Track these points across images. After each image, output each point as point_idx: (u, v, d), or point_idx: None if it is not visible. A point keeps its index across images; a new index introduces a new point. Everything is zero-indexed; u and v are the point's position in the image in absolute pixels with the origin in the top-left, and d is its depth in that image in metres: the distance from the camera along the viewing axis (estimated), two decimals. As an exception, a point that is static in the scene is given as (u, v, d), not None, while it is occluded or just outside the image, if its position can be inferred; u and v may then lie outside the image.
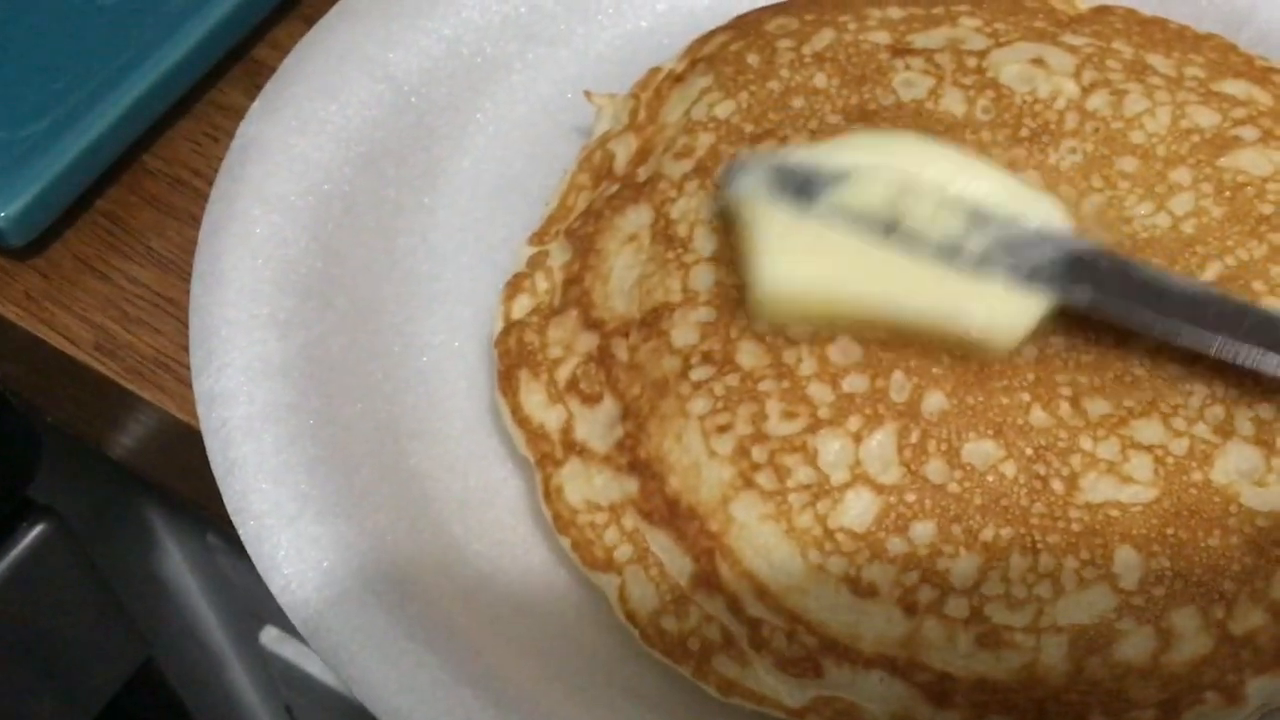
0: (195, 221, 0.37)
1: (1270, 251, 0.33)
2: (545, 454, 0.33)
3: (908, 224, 0.31)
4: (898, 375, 0.31)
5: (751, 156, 0.34)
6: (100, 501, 0.57)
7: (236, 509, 0.31)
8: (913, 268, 0.31)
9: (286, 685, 0.78)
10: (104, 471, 0.58)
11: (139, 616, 0.54)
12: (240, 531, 0.31)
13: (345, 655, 0.30)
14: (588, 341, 0.34)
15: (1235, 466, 0.30)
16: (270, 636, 0.75)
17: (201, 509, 0.41)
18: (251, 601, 0.71)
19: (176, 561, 0.70)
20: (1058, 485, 0.30)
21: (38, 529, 0.46)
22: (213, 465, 0.32)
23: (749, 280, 0.32)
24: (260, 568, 0.31)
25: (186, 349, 0.37)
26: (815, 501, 0.30)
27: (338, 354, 0.35)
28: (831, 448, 0.31)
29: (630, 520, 0.32)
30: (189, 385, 0.37)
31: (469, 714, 0.29)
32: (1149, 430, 0.31)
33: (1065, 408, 0.31)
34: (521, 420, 0.33)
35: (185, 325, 0.35)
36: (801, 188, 0.32)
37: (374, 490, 0.33)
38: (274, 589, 0.30)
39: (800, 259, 0.32)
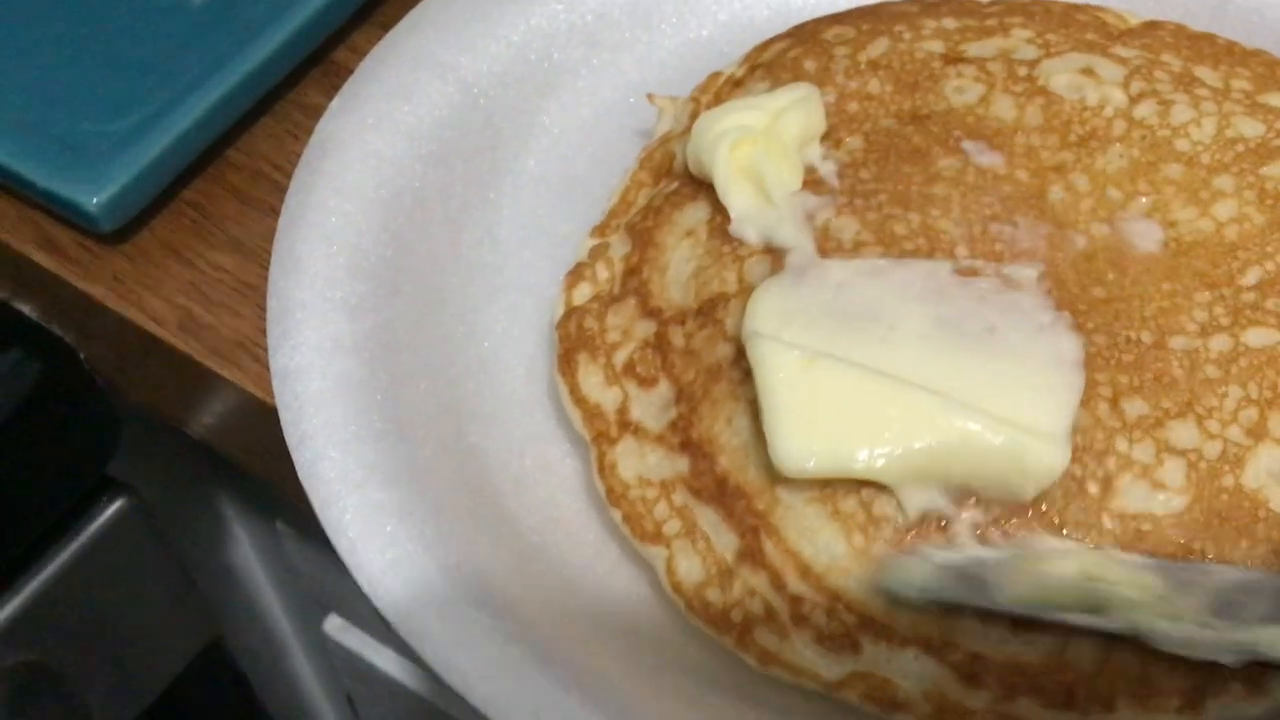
0: (274, 212, 0.39)
1: (1311, 257, 0.34)
2: (601, 432, 0.34)
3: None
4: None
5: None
6: (175, 485, 0.59)
7: (307, 475, 0.33)
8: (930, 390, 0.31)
9: (348, 674, 0.80)
10: (180, 457, 0.60)
11: (208, 597, 0.56)
12: (310, 497, 0.33)
13: (404, 613, 0.31)
14: (645, 328, 0.35)
15: (1266, 468, 0.31)
16: (334, 625, 0.76)
17: (272, 490, 0.43)
18: (317, 589, 0.73)
19: (245, 549, 0.72)
20: (1093, 488, 0.31)
21: (116, 505, 0.48)
22: (286, 436, 0.34)
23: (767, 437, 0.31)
24: (328, 530, 0.33)
25: (264, 331, 0.39)
26: (861, 488, 0.31)
27: (404, 337, 0.37)
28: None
29: (680, 497, 0.33)
30: (265, 365, 0.39)
31: (519, 671, 0.30)
32: (1184, 432, 0.31)
33: (1104, 408, 0.32)
34: (579, 400, 0.35)
35: (263, 309, 0.37)
36: None
37: (435, 464, 0.35)
38: (340, 550, 0.32)
39: (813, 424, 0.31)
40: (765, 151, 0.35)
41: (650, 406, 0.34)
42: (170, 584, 0.53)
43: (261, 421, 0.39)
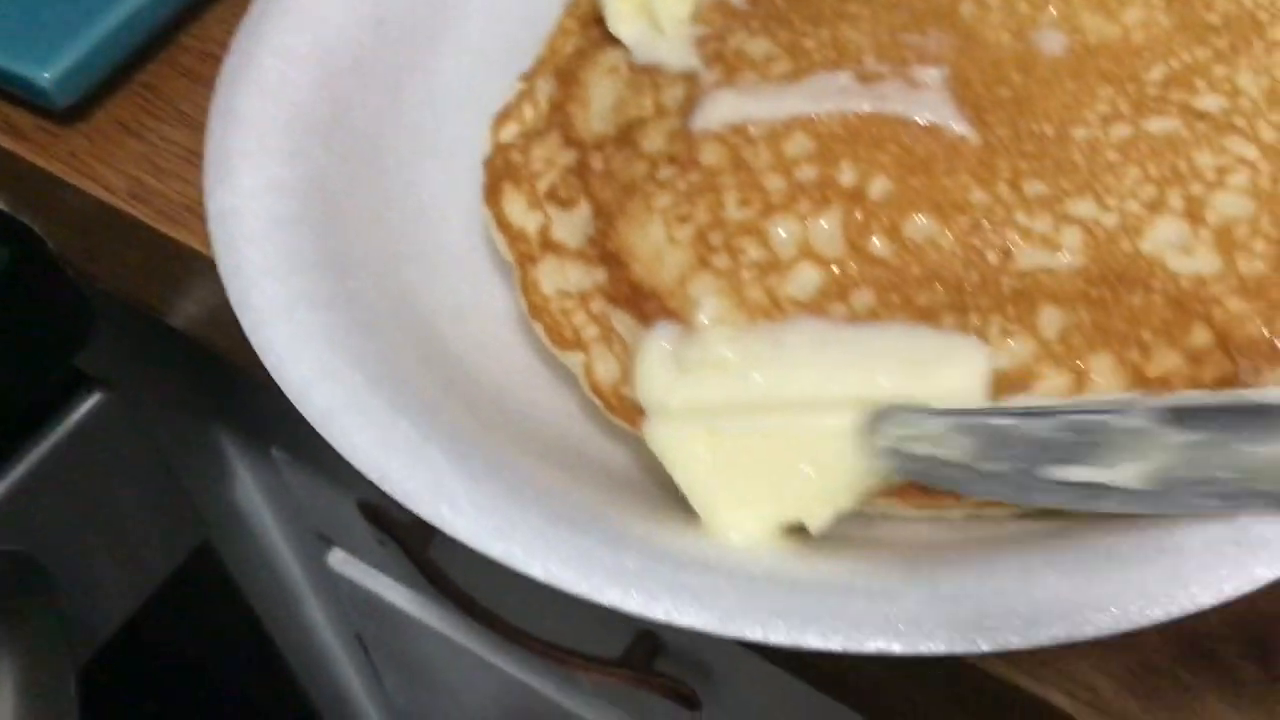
0: (222, 86, 0.40)
1: (1214, 55, 0.35)
2: (524, 253, 0.35)
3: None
4: (846, 163, 0.33)
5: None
6: (169, 405, 0.60)
7: (239, 304, 0.34)
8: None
9: (355, 609, 0.81)
10: (173, 372, 0.61)
11: (199, 503, 0.58)
12: (243, 323, 0.34)
13: (330, 420, 0.32)
14: (567, 157, 0.36)
15: (1164, 237, 0.32)
16: (337, 559, 0.78)
17: (235, 358, 0.44)
18: (317, 520, 0.74)
19: (247, 486, 0.73)
20: (992, 256, 0.32)
21: (95, 399, 0.50)
22: (220, 271, 0.35)
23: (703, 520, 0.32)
24: (259, 352, 0.34)
25: (211, 194, 0.41)
26: (765, 276, 0.32)
27: (341, 185, 0.38)
28: (781, 229, 0.33)
29: (597, 305, 0.34)
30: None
31: (437, 472, 0.31)
32: (1082, 206, 0.32)
33: (1004, 188, 0.32)
34: (504, 225, 0.36)
35: (210, 175, 0.38)
36: None
37: (368, 295, 0.36)
38: (269, 368, 0.33)
39: (742, 495, 0.31)
40: None
41: (571, 227, 0.35)
42: (155, 484, 0.54)
43: (218, 288, 0.41)
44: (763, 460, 0.31)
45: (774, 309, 0.32)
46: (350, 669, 0.91)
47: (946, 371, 0.31)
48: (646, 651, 0.59)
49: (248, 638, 0.73)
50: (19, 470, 0.48)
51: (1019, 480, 0.29)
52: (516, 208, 0.36)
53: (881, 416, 0.30)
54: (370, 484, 0.65)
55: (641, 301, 0.33)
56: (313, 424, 0.32)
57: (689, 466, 0.32)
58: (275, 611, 0.73)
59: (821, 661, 0.36)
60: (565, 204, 0.36)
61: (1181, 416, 0.28)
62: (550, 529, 0.30)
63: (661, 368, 0.32)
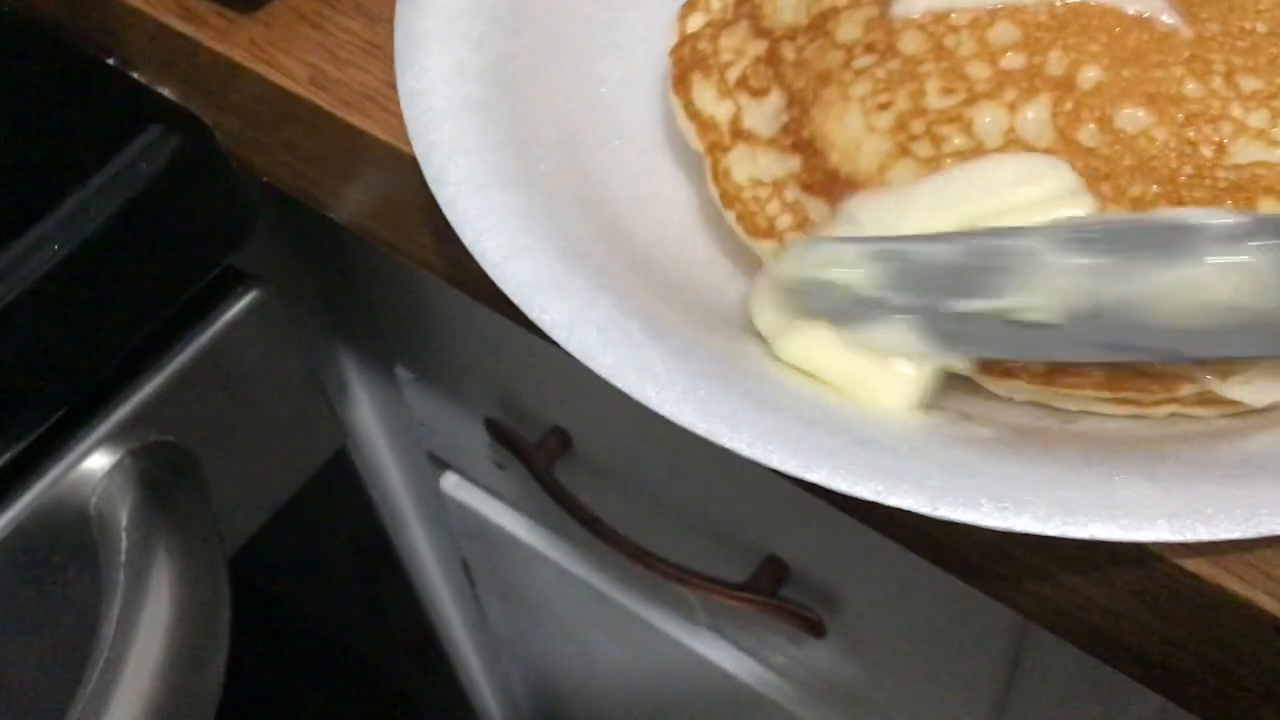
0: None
1: None
2: (714, 142, 0.35)
3: None
4: (1054, 52, 0.33)
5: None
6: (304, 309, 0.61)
7: (435, 179, 0.35)
8: None
9: (464, 534, 0.82)
10: (305, 296, 0.62)
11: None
12: (439, 197, 0.34)
13: (527, 295, 0.32)
14: (757, 47, 0.36)
15: (1384, 135, 0.31)
16: (450, 483, 0.78)
17: (400, 252, 0.44)
18: (436, 441, 0.75)
19: (363, 404, 0.74)
20: (1207, 150, 0.31)
21: (251, 295, 0.50)
22: (415, 149, 0.35)
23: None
24: (455, 226, 0.34)
25: (391, 85, 0.41)
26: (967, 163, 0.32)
27: (524, 72, 0.38)
28: (987, 117, 0.32)
29: (791, 193, 0.34)
30: (395, 116, 0.40)
31: (640, 348, 0.31)
32: (1300, 102, 0.31)
33: (1218, 82, 0.32)
34: (693, 114, 0.36)
35: (390, 67, 0.38)
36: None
37: (555, 179, 0.36)
38: (466, 243, 0.33)
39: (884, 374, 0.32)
40: None
41: (762, 115, 0.35)
42: (299, 386, 0.55)
43: (392, 174, 0.41)
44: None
45: (981, 203, 0.32)
46: (448, 596, 0.92)
47: (1030, 189, 0.31)
48: (772, 578, 0.59)
49: (371, 552, 0.74)
50: (175, 363, 0.49)
51: (932, 320, 0.29)
52: (706, 97, 0.36)
53: (802, 246, 0.30)
54: (498, 402, 0.65)
55: (838, 189, 0.33)
56: (510, 297, 0.33)
57: (832, 364, 0.32)
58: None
59: (995, 564, 0.36)
60: (756, 93, 0.35)
61: (1084, 240, 0.27)
62: (752, 408, 0.30)
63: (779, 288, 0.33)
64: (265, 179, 0.47)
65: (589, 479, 0.63)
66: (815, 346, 0.32)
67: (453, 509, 0.80)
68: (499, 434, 0.64)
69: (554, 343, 0.32)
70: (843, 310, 0.31)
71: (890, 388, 0.32)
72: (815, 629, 0.58)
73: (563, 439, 0.63)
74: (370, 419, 0.75)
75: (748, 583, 0.59)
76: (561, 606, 0.81)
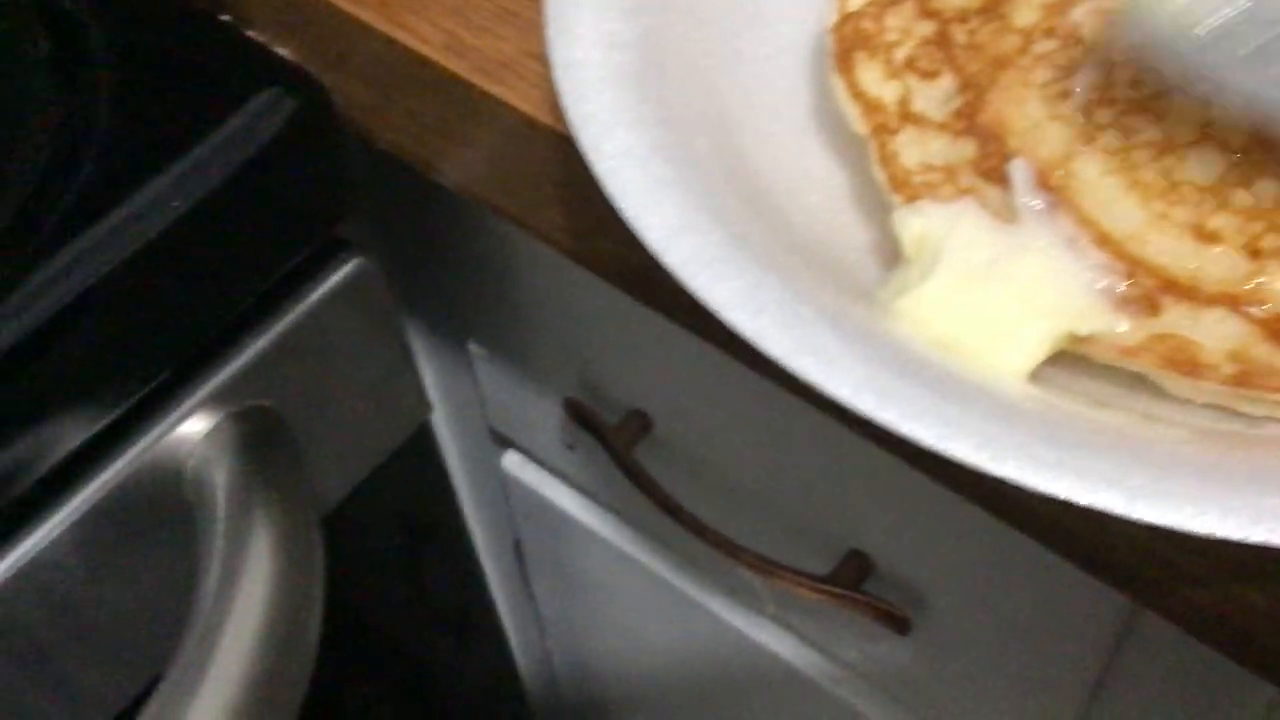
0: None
1: None
2: (880, 124, 0.34)
3: None
4: (1248, 46, 0.32)
5: None
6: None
7: (593, 149, 0.34)
8: None
9: (522, 514, 0.81)
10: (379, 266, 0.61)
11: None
12: (595, 170, 0.33)
13: (701, 273, 0.31)
14: (925, 28, 0.35)
15: None
16: (512, 462, 0.77)
17: (522, 224, 0.44)
18: (503, 419, 0.74)
19: (427, 379, 0.73)
20: None
21: (352, 264, 0.50)
22: (569, 119, 0.34)
23: None
24: (615, 197, 0.33)
25: (528, 54, 0.40)
26: (1160, 157, 0.31)
27: (673, 44, 0.37)
28: (1179, 110, 0.31)
29: (967, 179, 0.33)
30: (531, 84, 0.39)
31: (810, 329, 0.30)
32: None
33: None
34: (857, 95, 0.35)
35: (526, 34, 0.38)
36: None
37: (709, 157, 0.35)
38: (626, 218, 0.32)
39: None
40: None
41: (932, 99, 0.34)
42: (391, 357, 0.54)
43: (525, 145, 0.40)
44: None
45: (1170, 192, 0.31)
46: (494, 576, 0.91)
47: None
48: (856, 572, 0.58)
49: (421, 528, 0.73)
50: (277, 328, 0.48)
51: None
52: (870, 77, 0.35)
53: None
54: (578, 381, 0.64)
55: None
56: (673, 272, 0.32)
57: (962, 326, 0.31)
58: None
59: (1150, 569, 0.35)
60: (927, 75, 0.34)
61: None
62: (934, 397, 0.29)
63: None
64: (379, 144, 0.46)
65: (668, 464, 0.62)
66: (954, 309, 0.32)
67: (512, 488, 0.79)
68: (578, 414, 0.63)
69: (701, 327, 0.31)
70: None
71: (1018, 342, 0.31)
72: (900, 626, 0.57)
73: (644, 422, 0.62)
74: (434, 392, 0.74)
75: (831, 576, 0.58)
76: (616, 591, 0.80)
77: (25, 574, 0.43)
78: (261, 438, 0.48)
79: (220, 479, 0.46)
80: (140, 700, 0.41)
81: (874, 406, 0.29)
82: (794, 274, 0.32)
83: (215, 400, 0.47)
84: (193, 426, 0.47)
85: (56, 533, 0.44)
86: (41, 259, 0.41)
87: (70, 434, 0.43)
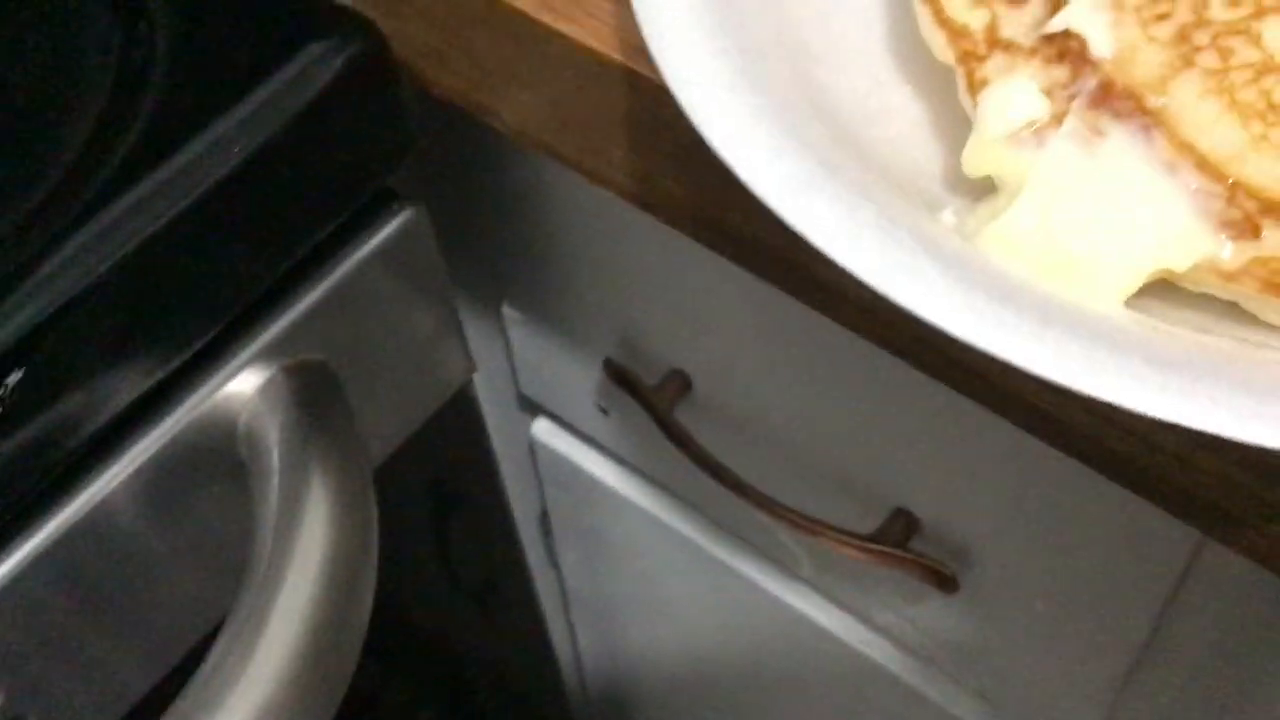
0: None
1: None
2: (968, 51, 0.34)
3: None
4: (1349, -35, 0.31)
5: None
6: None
7: (678, 79, 0.33)
8: None
9: (551, 482, 0.81)
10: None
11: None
12: (681, 98, 0.33)
13: (797, 199, 0.31)
14: (1009, -46, 0.35)
15: None
16: (542, 429, 0.77)
17: (580, 168, 0.43)
18: (534, 384, 0.73)
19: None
20: None
21: (404, 215, 0.49)
22: (651, 48, 0.34)
23: None
24: (702, 126, 0.32)
25: (595, -11, 0.39)
26: (1259, 78, 0.31)
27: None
28: (1278, 31, 0.31)
29: (1058, 105, 0.32)
30: (599, 20, 0.39)
31: (910, 253, 0.30)
32: None
33: None
34: (943, 21, 0.34)
35: (591, -31, 0.37)
36: None
37: (791, 88, 0.35)
38: (715, 140, 0.32)
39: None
40: None
41: (1020, 24, 0.34)
42: (438, 313, 0.54)
43: (592, 84, 0.40)
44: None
45: (1269, 112, 0.30)
46: (519, 545, 0.90)
47: None
48: (901, 530, 0.58)
49: (447, 495, 0.73)
50: (329, 280, 0.48)
51: None
52: (958, 4, 0.35)
53: None
54: (617, 342, 0.64)
55: (1115, 102, 0.32)
56: (765, 199, 0.31)
57: (1055, 253, 0.31)
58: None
59: (1235, 504, 0.34)
60: (1014, 2, 0.34)
61: None
62: (1039, 321, 0.29)
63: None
64: (437, 91, 0.46)
65: (708, 425, 0.62)
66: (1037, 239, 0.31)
67: (542, 456, 0.78)
68: (616, 375, 0.63)
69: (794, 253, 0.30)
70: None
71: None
72: (948, 585, 0.57)
73: (683, 382, 0.62)
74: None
75: (877, 534, 0.58)
76: (646, 558, 0.80)
77: (84, 525, 0.42)
78: (315, 392, 0.48)
79: (274, 434, 0.46)
80: (200, 649, 0.41)
81: (973, 333, 0.28)
82: (887, 201, 0.32)
83: (268, 354, 0.47)
84: (246, 380, 0.46)
85: (113, 484, 0.43)
86: (96, 210, 0.40)
87: (126, 387, 0.43)
